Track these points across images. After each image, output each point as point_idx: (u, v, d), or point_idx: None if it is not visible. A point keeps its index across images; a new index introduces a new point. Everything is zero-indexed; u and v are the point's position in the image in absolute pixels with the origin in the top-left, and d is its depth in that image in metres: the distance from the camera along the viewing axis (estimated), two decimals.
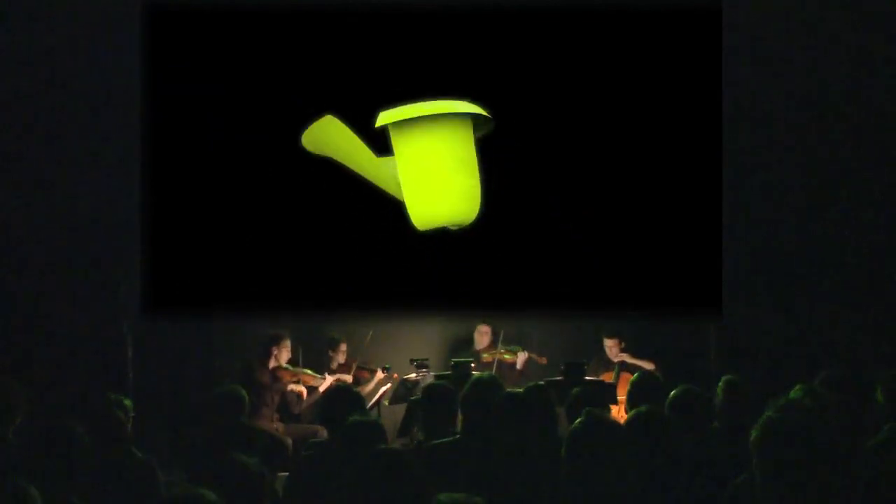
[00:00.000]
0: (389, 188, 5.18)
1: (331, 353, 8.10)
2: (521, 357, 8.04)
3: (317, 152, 5.21)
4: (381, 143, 5.16)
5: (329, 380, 7.78)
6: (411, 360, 7.75)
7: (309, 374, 7.77)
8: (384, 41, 5.66)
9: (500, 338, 8.14)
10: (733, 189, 7.25)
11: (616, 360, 8.09)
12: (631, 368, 7.75)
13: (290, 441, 7.31)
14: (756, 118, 7.64)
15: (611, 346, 8.15)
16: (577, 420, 3.44)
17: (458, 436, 4.37)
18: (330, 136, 5.11)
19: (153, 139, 5.86)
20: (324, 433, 6.18)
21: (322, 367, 7.97)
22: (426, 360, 7.79)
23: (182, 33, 5.75)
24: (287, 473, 4.68)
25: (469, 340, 8.55)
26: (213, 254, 5.69)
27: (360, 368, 8.05)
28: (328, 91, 5.33)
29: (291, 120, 5.38)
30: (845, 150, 7.48)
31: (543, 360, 8.06)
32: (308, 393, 7.76)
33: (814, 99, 7.51)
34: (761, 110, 7.63)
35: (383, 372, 8.05)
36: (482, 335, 8.36)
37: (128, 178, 6.90)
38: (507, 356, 8.07)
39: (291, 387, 7.66)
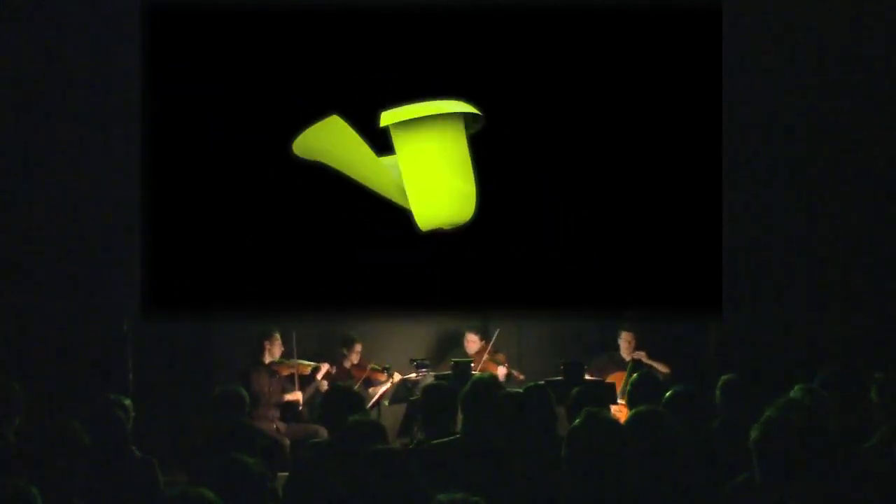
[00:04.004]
0: (391, 193, 5.17)
1: (345, 352, 8.06)
2: (501, 371, 7.97)
3: (310, 157, 5.18)
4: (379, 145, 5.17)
5: (325, 367, 7.77)
6: (411, 360, 7.74)
7: (304, 364, 7.77)
8: (384, 41, 5.66)
9: (491, 345, 8.10)
10: (733, 189, 7.25)
11: (629, 358, 7.94)
12: (643, 369, 7.60)
13: (287, 441, 7.31)
14: (756, 118, 7.63)
15: (628, 341, 7.99)
16: (577, 420, 3.44)
17: (458, 436, 4.37)
18: (331, 139, 5.09)
19: (153, 139, 5.87)
20: (324, 433, 6.19)
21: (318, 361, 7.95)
22: (426, 359, 7.78)
23: (182, 33, 5.75)
24: (287, 473, 4.68)
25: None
26: (213, 254, 5.69)
27: (374, 370, 8.01)
28: (328, 91, 5.33)
29: (291, 120, 5.38)
30: (845, 150, 7.47)
31: (521, 377, 7.98)
32: (307, 383, 7.75)
33: (814, 99, 7.50)
34: (761, 110, 7.62)
35: (383, 371, 8.04)
36: (470, 343, 8.30)
37: (128, 178, 6.90)
38: (491, 365, 8.04)
39: (287, 397, 7.65)
